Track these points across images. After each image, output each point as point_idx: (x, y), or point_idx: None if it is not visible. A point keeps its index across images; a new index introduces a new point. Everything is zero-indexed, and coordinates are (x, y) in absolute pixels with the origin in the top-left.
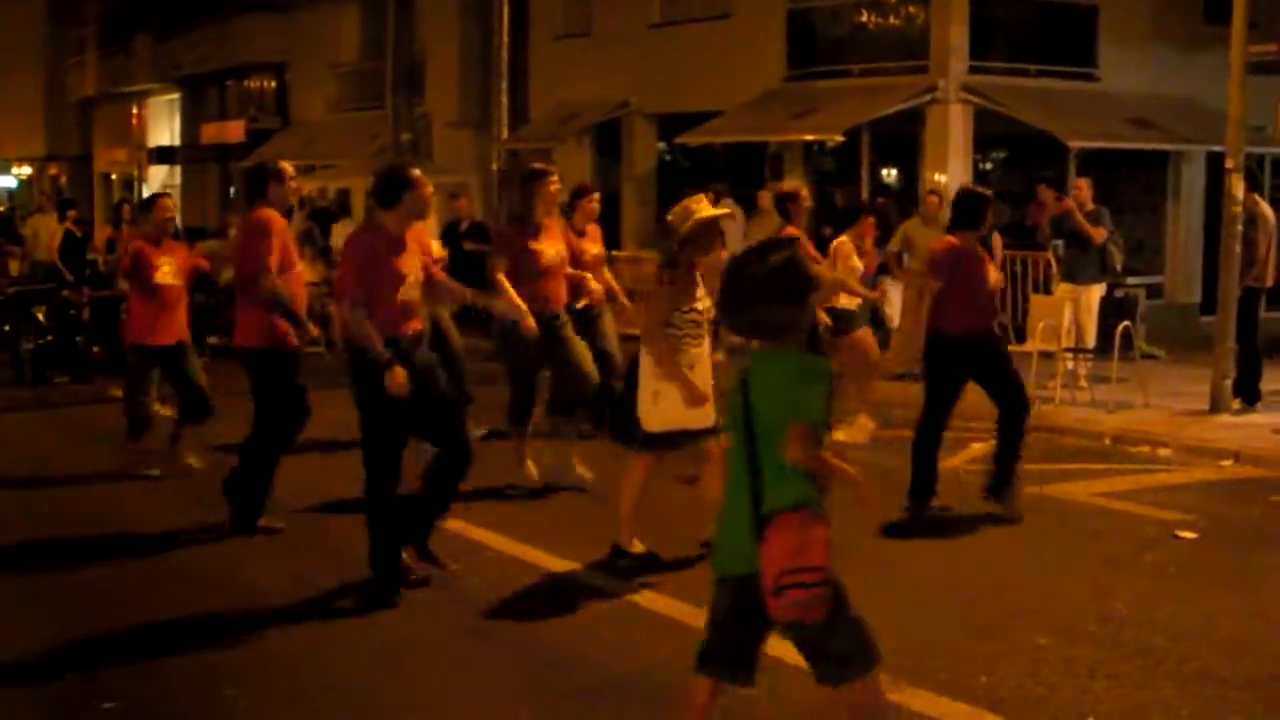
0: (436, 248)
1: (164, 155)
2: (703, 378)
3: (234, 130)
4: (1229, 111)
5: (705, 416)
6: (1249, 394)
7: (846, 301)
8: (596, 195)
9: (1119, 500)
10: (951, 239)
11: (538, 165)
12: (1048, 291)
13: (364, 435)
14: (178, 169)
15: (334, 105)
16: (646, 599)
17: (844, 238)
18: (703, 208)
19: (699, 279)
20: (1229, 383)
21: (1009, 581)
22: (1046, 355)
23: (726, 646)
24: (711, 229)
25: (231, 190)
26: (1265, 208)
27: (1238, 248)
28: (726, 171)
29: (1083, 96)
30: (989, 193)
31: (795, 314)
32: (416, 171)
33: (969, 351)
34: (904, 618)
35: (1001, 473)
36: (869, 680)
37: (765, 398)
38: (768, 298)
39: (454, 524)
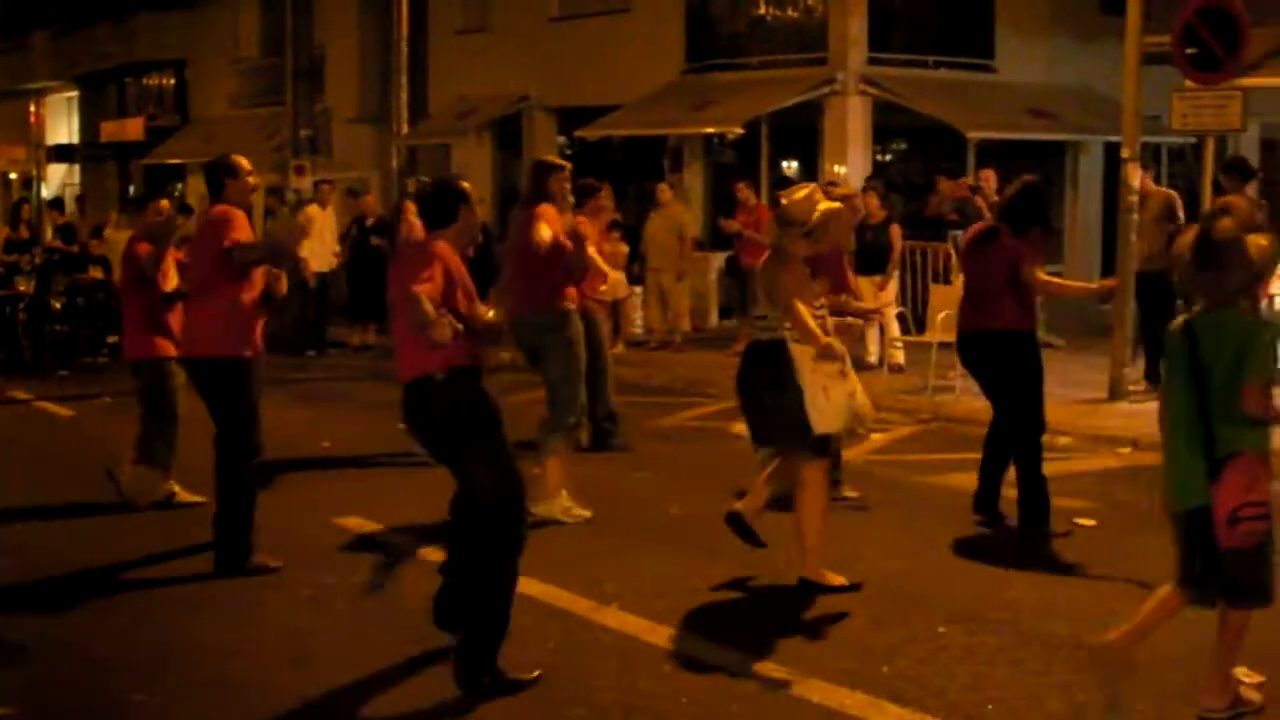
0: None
1: (63, 153)
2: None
3: (133, 128)
4: (1124, 102)
5: (867, 406)
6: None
7: None
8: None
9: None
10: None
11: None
12: (947, 282)
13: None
14: (76, 167)
15: (234, 102)
16: (539, 590)
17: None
18: (822, 198)
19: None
20: (1128, 371)
21: (908, 571)
22: (946, 345)
23: (1192, 571)
24: (837, 219)
25: (131, 189)
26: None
27: (1133, 236)
28: (626, 165)
29: (981, 87)
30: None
31: (1249, 280)
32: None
33: None
34: (801, 609)
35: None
36: (1251, 612)
37: (1220, 358)
38: (1229, 263)
39: (349, 520)
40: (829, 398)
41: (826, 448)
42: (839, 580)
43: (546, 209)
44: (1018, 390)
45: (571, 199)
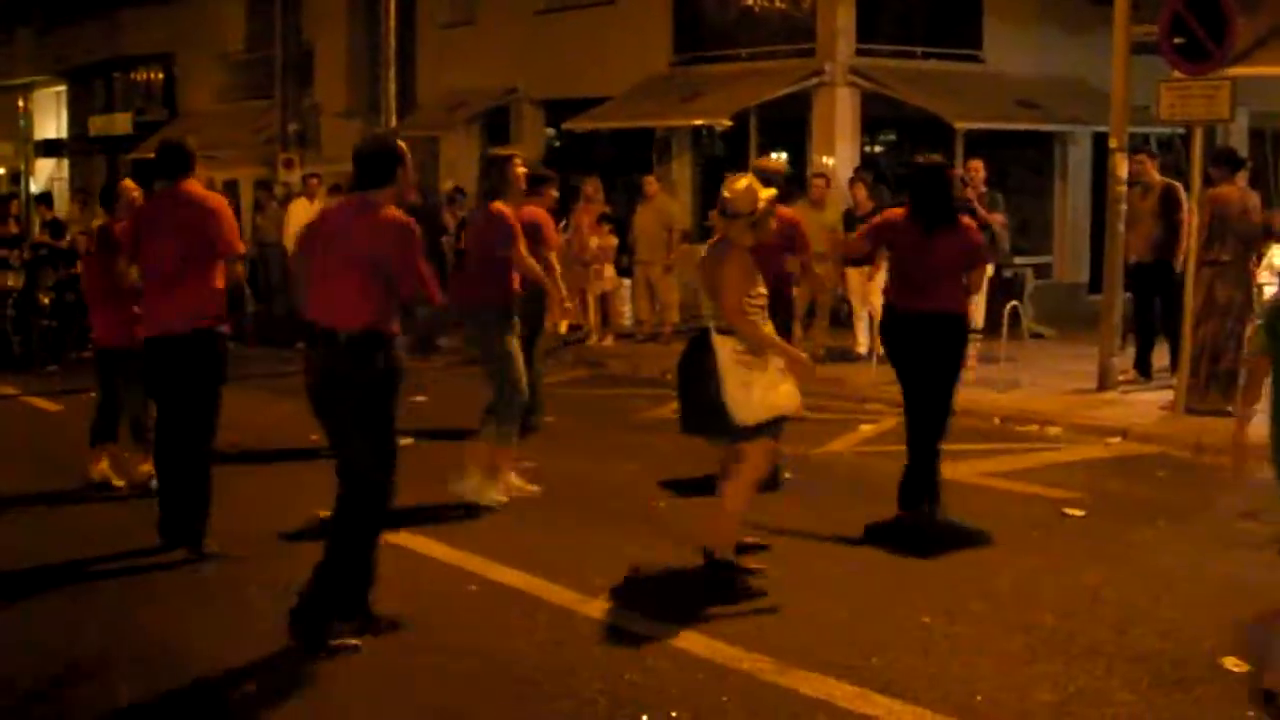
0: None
1: (51, 148)
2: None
3: (121, 122)
4: (1113, 92)
5: (793, 396)
6: (1144, 368)
7: None
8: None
9: (1007, 480)
10: None
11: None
12: None
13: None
14: (65, 162)
15: (222, 96)
16: (525, 582)
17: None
18: (761, 187)
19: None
20: (1116, 361)
21: (894, 562)
22: None
23: None
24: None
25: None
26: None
27: (1121, 226)
28: (614, 157)
29: (969, 78)
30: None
31: None
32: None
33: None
34: (791, 601)
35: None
36: None
37: None
38: None
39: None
40: (749, 391)
41: (761, 433)
42: (747, 561)
43: (504, 207)
44: (947, 373)
45: (523, 187)
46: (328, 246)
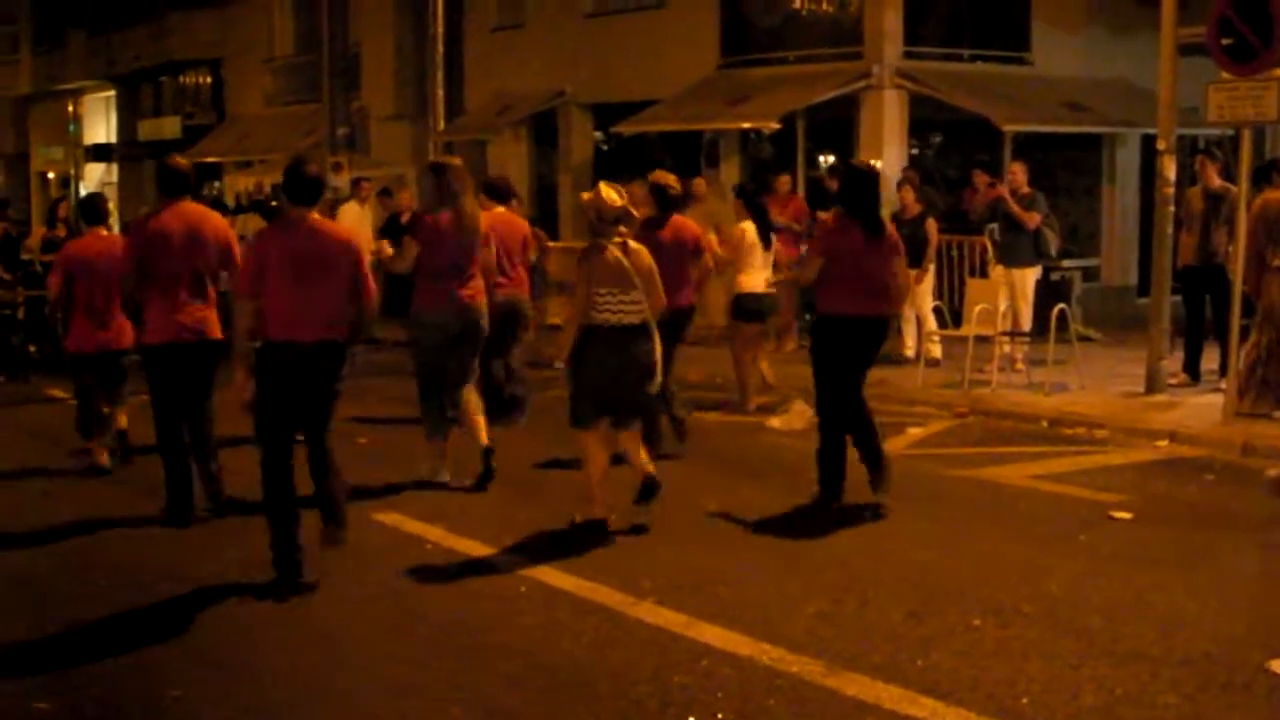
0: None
1: (101, 153)
2: None
3: (170, 126)
4: (1160, 94)
5: None
6: (1194, 371)
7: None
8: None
9: (1055, 483)
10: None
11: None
12: (984, 275)
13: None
14: (114, 166)
15: (270, 100)
16: (575, 585)
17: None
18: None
19: None
20: (1165, 363)
21: (943, 564)
22: (983, 339)
23: None
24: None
25: None
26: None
27: (1170, 229)
28: (662, 160)
29: (1017, 80)
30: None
31: None
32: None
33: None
34: (837, 602)
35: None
36: None
37: None
38: None
39: (388, 516)
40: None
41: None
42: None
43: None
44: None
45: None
46: None
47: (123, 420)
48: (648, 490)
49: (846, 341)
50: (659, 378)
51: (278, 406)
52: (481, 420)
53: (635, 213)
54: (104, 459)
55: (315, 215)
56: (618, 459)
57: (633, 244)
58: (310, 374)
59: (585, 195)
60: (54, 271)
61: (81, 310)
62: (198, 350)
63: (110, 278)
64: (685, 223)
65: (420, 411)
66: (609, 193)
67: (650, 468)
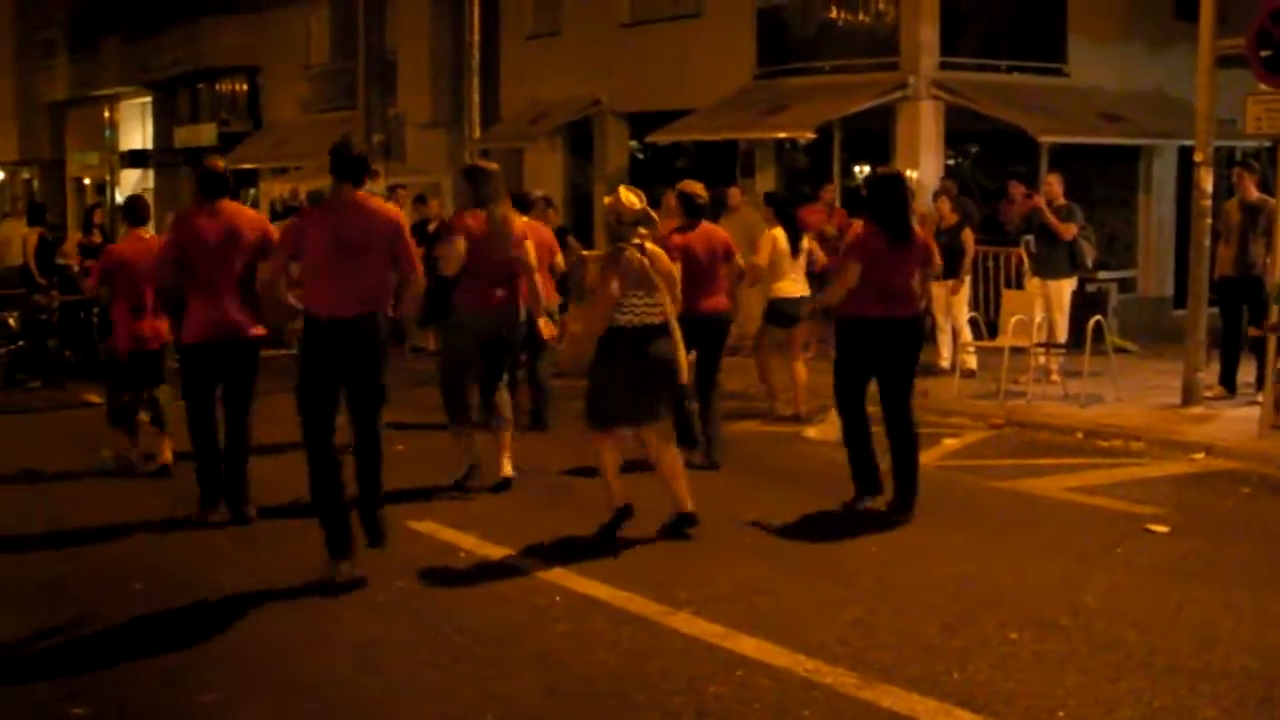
0: None
1: (137, 159)
2: None
3: (206, 133)
4: (1197, 105)
5: None
6: (1230, 383)
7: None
8: None
9: (1091, 495)
10: None
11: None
12: (1020, 287)
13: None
14: (150, 172)
15: (306, 107)
16: (610, 594)
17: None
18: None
19: None
20: (1202, 375)
21: (979, 576)
22: (1019, 350)
23: None
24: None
25: None
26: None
27: (1207, 240)
28: (698, 170)
29: (1053, 91)
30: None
31: None
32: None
33: None
34: (873, 613)
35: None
36: None
37: None
38: None
39: (423, 524)
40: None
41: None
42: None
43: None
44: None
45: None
46: None
47: (167, 454)
48: (678, 525)
49: (866, 343)
50: (684, 375)
51: (321, 383)
52: (508, 436)
53: (655, 216)
54: (131, 452)
55: (360, 193)
56: (641, 465)
57: (650, 246)
58: (352, 349)
59: (606, 199)
60: (94, 272)
61: (120, 311)
62: (235, 348)
63: (150, 279)
64: (715, 230)
65: (445, 408)
66: (628, 196)
67: (688, 503)
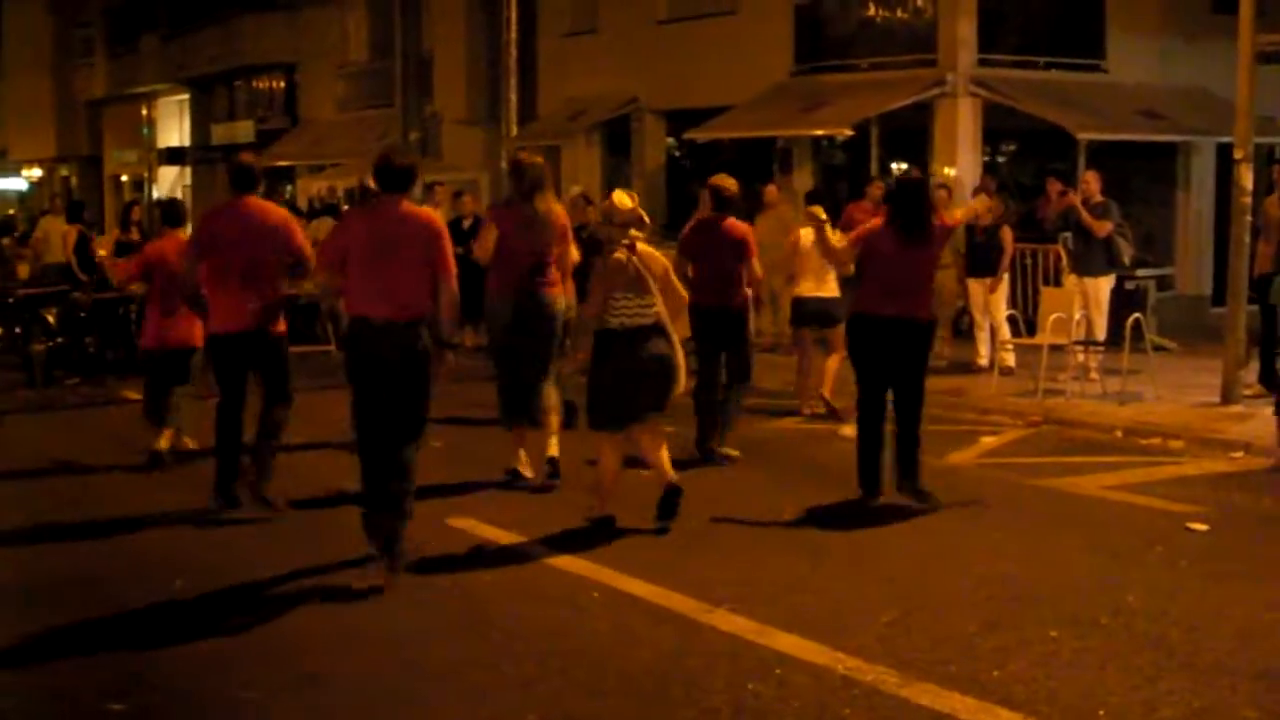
0: None
1: (174, 156)
2: None
3: (243, 130)
4: (1237, 102)
5: None
6: (1270, 381)
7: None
8: None
9: (1130, 493)
10: None
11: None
12: (1058, 284)
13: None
14: (188, 170)
15: (343, 105)
16: (648, 592)
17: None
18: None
19: None
20: (1241, 374)
21: (1019, 575)
22: (1057, 348)
23: None
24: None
25: None
26: None
27: (1247, 238)
28: (735, 167)
29: (1091, 88)
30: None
31: None
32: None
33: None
34: (913, 611)
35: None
36: None
37: None
38: None
39: (462, 521)
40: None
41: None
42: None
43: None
44: (923, 373)
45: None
46: None
47: (163, 443)
48: (669, 500)
49: (872, 339)
50: (682, 374)
51: (362, 386)
52: (555, 421)
53: (646, 218)
54: (163, 445)
55: (405, 202)
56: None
57: (642, 247)
58: (387, 356)
59: (604, 203)
60: (129, 266)
61: (156, 309)
62: (257, 339)
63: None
64: (735, 225)
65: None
66: (621, 196)
67: (672, 475)
